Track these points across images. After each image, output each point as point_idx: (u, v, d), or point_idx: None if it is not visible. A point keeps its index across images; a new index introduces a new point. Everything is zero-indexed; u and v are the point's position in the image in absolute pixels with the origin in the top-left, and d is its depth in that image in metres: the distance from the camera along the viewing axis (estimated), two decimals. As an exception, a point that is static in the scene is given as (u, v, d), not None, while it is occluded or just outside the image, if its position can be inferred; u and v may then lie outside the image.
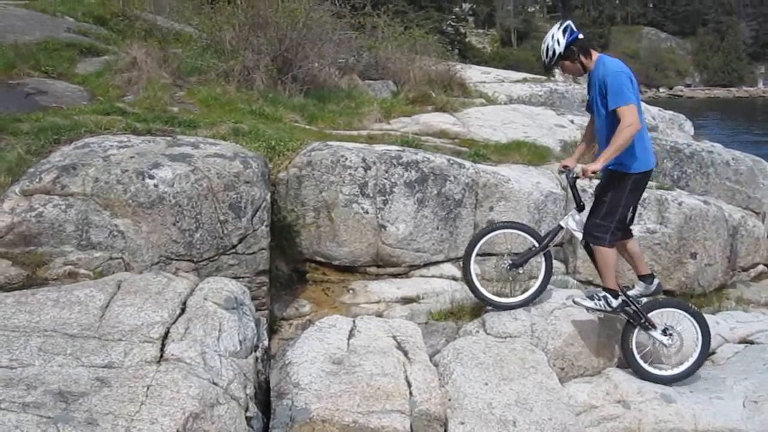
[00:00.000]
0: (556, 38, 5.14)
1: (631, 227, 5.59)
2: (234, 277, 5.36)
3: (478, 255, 5.61)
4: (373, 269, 6.91)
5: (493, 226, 5.79)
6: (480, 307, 5.88)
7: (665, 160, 9.64)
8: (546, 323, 5.46)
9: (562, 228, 5.46)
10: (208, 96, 8.84)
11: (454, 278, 6.88)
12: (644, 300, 5.52)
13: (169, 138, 6.34)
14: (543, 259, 5.59)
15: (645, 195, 7.39)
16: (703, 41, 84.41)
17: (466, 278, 5.58)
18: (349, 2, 12.95)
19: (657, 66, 77.99)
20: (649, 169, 5.21)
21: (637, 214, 7.32)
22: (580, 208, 5.41)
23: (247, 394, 3.87)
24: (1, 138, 6.12)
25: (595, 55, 5.19)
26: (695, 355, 5.46)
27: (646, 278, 5.57)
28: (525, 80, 15.41)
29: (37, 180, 5.34)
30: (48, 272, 5.04)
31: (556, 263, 7.21)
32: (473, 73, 15.14)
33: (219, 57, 10.17)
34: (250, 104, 8.86)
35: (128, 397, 3.35)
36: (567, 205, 7.40)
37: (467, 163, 7.31)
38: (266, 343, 4.80)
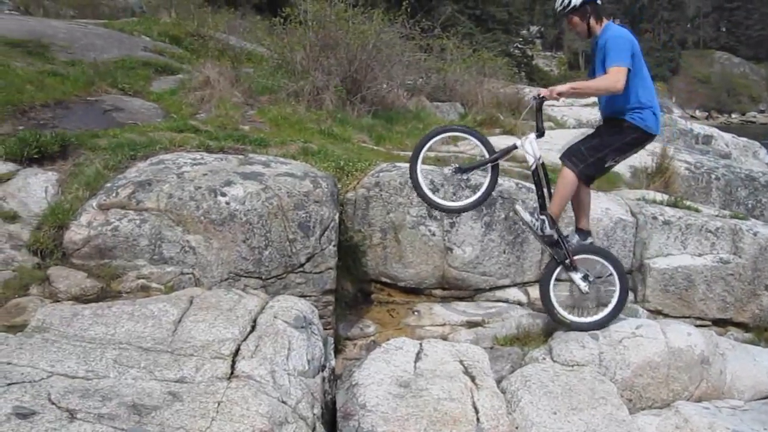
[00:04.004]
0: None
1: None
2: (301, 296, 5.38)
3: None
4: (438, 292, 6.88)
5: (445, 128, 5.87)
6: (547, 333, 5.81)
7: (739, 189, 9.41)
8: (614, 352, 5.35)
9: (515, 147, 5.51)
10: (279, 115, 8.96)
11: (520, 303, 6.80)
12: (575, 240, 5.69)
13: (241, 156, 6.43)
14: (489, 170, 5.58)
15: (719, 224, 7.25)
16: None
17: (412, 177, 5.55)
18: (419, 24, 13.03)
19: (729, 91, 76.21)
20: (653, 133, 5.40)
21: (710, 243, 7.20)
22: (540, 134, 5.45)
23: (314, 414, 3.87)
24: (80, 153, 6.31)
25: (605, 22, 5.36)
26: (610, 307, 5.60)
27: (582, 233, 5.74)
28: (594, 104, 15.23)
29: (114, 195, 5.48)
30: (121, 285, 5.15)
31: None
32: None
33: (289, 77, 10.32)
34: (319, 124, 8.95)
35: (199, 413, 3.38)
36: (637, 232, 7.26)
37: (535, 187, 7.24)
38: (333, 363, 4.80)
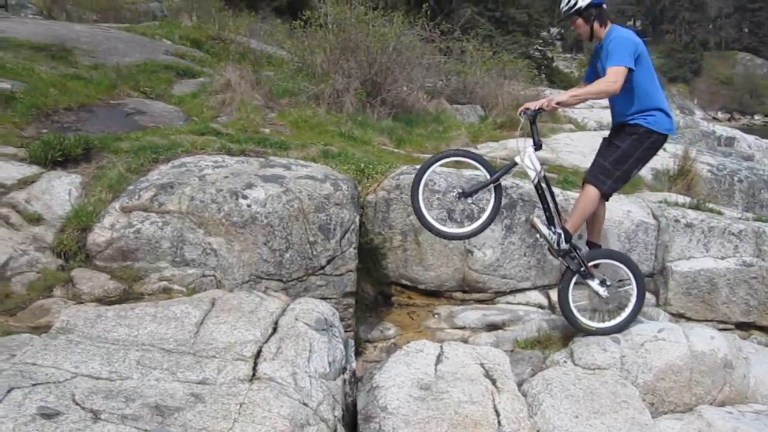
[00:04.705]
0: None
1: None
2: (321, 298, 5.39)
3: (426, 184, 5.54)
4: (458, 294, 6.87)
5: (445, 153, 5.68)
6: (568, 336, 5.78)
7: (762, 191, 9.33)
8: (636, 356, 5.32)
9: (516, 164, 5.40)
10: (299, 118, 9.00)
11: (541, 306, 6.78)
12: (585, 250, 5.65)
13: (262, 159, 6.47)
14: (493, 192, 5.47)
15: (742, 227, 7.19)
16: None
17: (414, 205, 5.39)
18: (438, 27, 13.03)
19: (752, 92, 75.11)
20: (669, 133, 5.41)
21: (733, 246, 7.14)
22: (538, 146, 5.38)
23: (335, 416, 3.87)
24: (103, 156, 6.37)
25: (609, 25, 5.32)
26: (629, 309, 5.58)
27: (593, 246, 5.75)
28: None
29: (136, 197, 5.53)
30: (144, 287, 5.20)
31: (647, 294, 7.04)
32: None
33: (310, 80, 10.37)
34: (339, 127, 8.99)
35: (222, 414, 3.40)
36: (658, 234, 7.22)
37: (556, 190, 7.20)
38: (354, 365, 4.80)
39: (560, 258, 5.54)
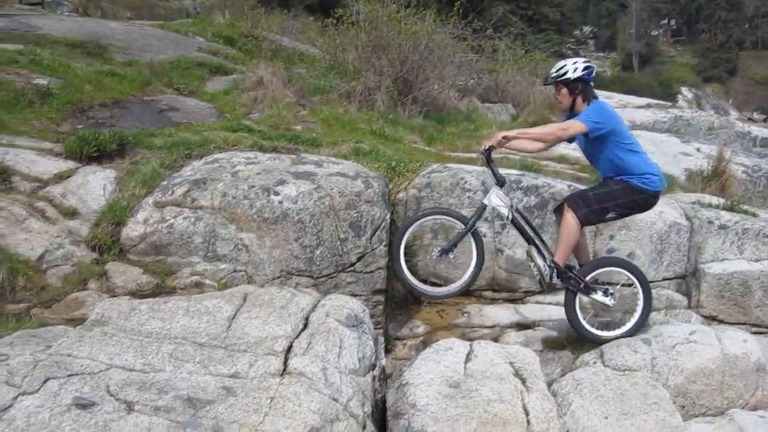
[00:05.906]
0: (576, 66, 5.33)
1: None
2: (351, 295, 5.40)
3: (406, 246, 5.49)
4: (488, 293, 6.85)
5: (418, 216, 5.61)
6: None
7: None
8: (667, 358, 5.27)
9: (486, 206, 5.41)
10: (330, 115, 9.03)
11: (571, 306, 6.75)
12: (578, 268, 5.63)
13: (293, 156, 6.51)
14: (472, 240, 5.43)
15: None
16: (842, 67, 79.75)
17: (397, 269, 5.38)
18: (470, 25, 12.99)
19: (789, 93, 74.21)
20: (657, 191, 5.42)
21: (751, 252, 7.05)
22: (501, 183, 5.41)
23: (364, 412, 3.89)
24: (137, 152, 6.45)
25: (592, 101, 5.32)
26: (638, 312, 5.55)
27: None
28: (648, 106, 15.03)
29: (170, 193, 5.60)
30: (176, 281, 5.27)
31: (678, 296, 6.99)
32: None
33: (341, 77, 10.41)
34: (370, 124, 9.00)
35: (253, 408, 3.43)
36: (691, 236, 7.15)
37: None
38: (383, 362, 4.81)
39: (554, 286, 5.53)
